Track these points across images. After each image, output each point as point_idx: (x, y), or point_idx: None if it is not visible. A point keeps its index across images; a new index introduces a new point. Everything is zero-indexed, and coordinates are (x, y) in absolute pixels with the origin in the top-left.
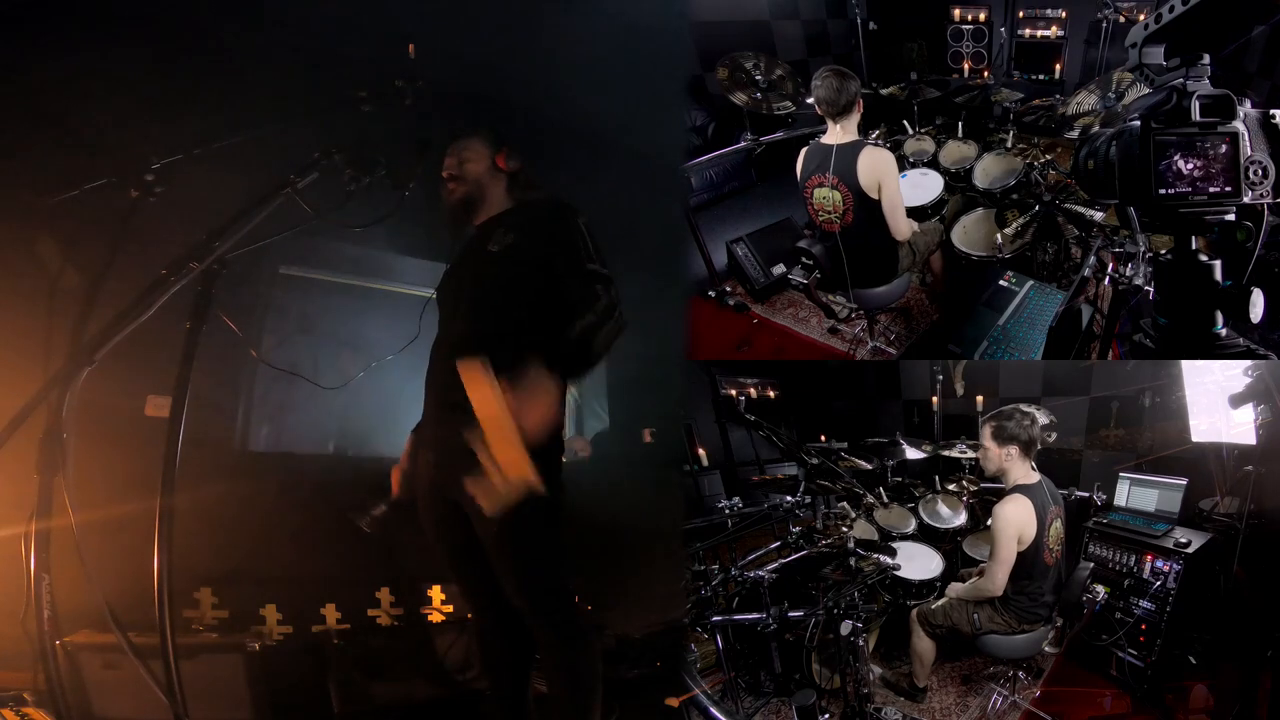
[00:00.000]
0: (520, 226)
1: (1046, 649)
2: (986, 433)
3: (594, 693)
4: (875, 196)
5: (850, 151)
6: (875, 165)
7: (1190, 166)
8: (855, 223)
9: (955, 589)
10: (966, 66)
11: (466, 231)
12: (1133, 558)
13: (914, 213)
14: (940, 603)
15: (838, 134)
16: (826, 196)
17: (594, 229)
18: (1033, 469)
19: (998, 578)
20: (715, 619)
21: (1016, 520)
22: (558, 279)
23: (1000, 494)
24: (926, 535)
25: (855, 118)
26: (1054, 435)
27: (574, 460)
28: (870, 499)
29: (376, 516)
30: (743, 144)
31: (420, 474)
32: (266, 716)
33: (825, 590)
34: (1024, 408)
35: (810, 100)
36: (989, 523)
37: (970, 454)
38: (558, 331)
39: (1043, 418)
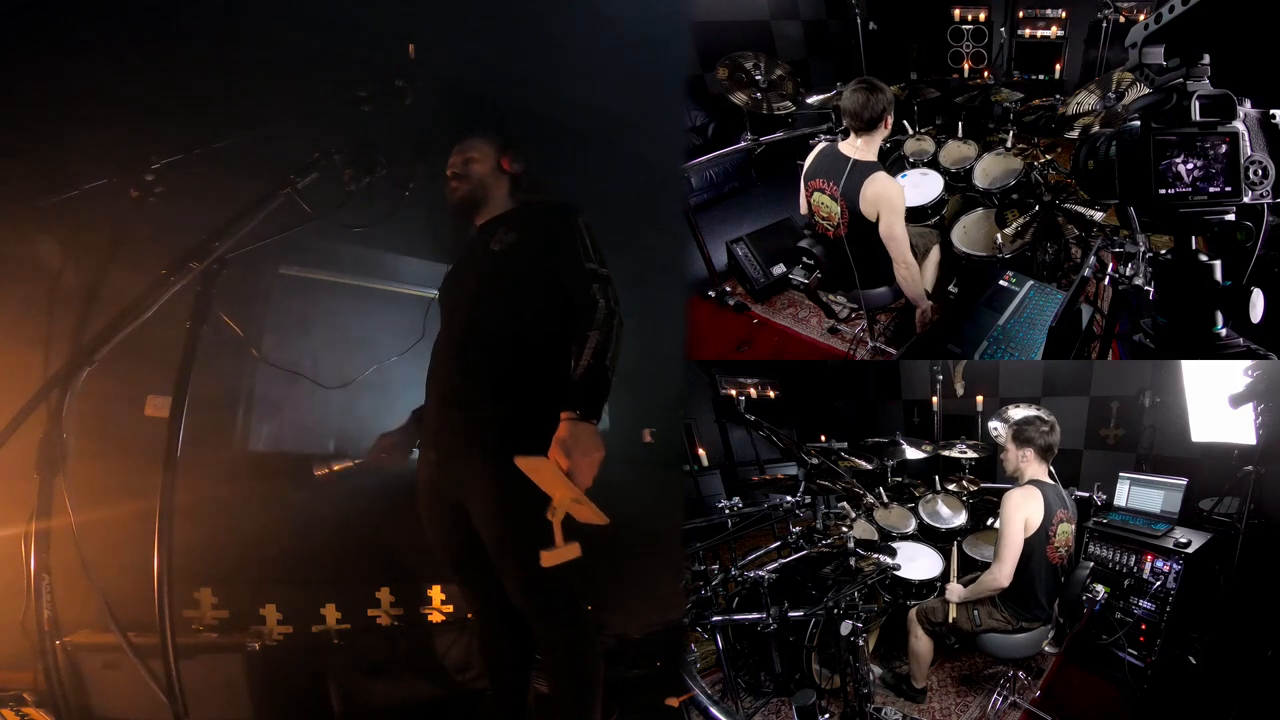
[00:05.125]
0: (521, 226)
1: (1046, 649)
2: (1008, 434)
3: (595, 693)
4: (872, 220)
5: (861, 171)
6: (880, 196)
7: (1190, 166)
8: (850, 235)
9: (956, 592)
10: (966, 66)
11: (468, 231)
12: (1133, 558)
13: (914, 213)
14: (938, 600)
15: (857, 147)
16: (824, 203)
17: (594, 229)
18: (1050, 474)
19: (1005, 568)
20: (715, 619)
21: (1023, 505)
22: (558, 278)
23: (1004, 494)
24: (926, 535)
25: (880, 134)
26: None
27: None
28: (870, 499)
29: (335, 471)
30: (743, 144)
31: (421, 473)
32: (266, 716)
33: (825, 590)
34: (1045, 415)
35: (812, 100)
36: (990, 522)
37: (970, 454)
38: (562, 340)
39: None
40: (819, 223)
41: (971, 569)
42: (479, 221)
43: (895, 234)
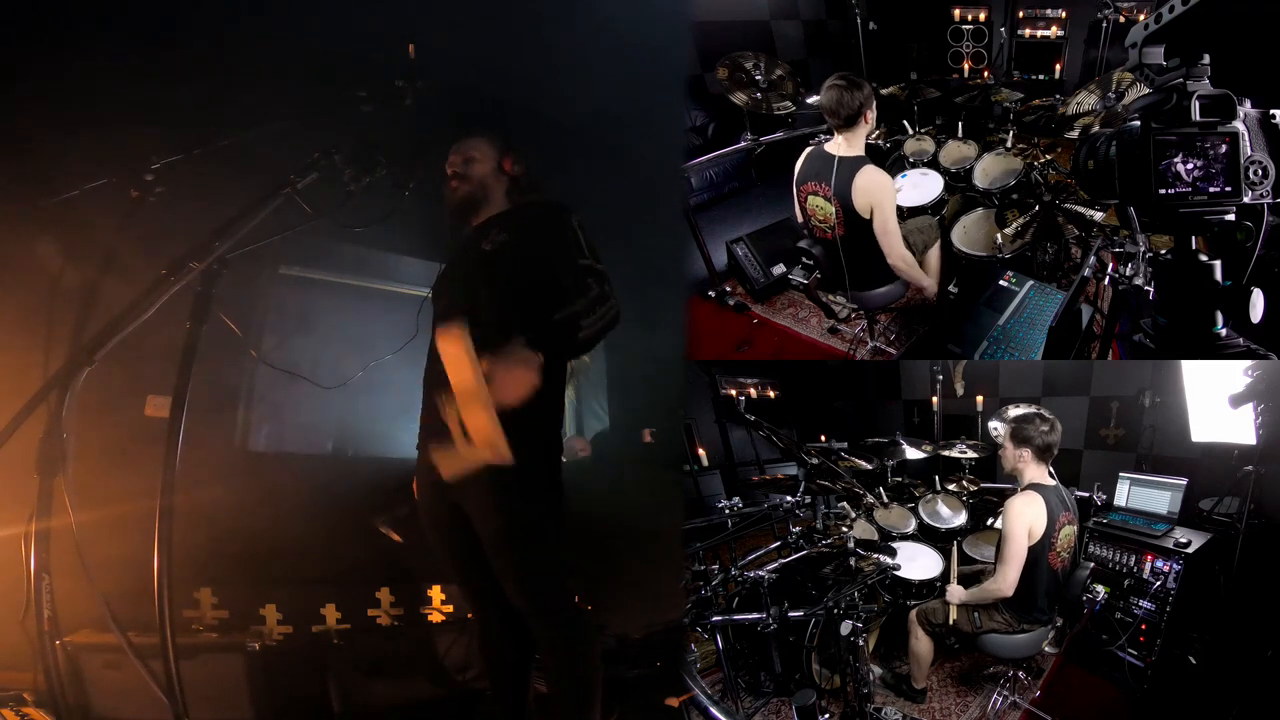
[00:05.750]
0: (514, 226)
1: (1046, 649)
2: (1006, 433)
3: (594, 693)
4: (867, 217)
5: (850, 166)
6: (870, 189)
7: (1190, 166)
8: (848, 234)
9: (957, 594)
10: (966, 66)
11: (464, 231)
12: (1133, 558)
13: (914, 213)
14: (939, 601)
15: (841, 145)
16: (820, 206)
17: (590, 228)
18: (1050, 474)
19: (1009, 576)
20: (715, 619)
21: (1026, 515)
22: (552, 277)
23: (1003, 494)
24: (926, 535)
25: (862, 130)
26: None
27: (574, 460)
28: (870, 499)
29: (400, 518)
30: (743, 144)
31: (420, 474)
32: (266, 716)
33: (825, 590)
34: (1045, 414)
35: (810, 100)
36: (989, 522)
37: (970, 454)
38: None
39: (1059, 426)
40: (816, 226)
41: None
42: (475, 222)
43: (889, 229)
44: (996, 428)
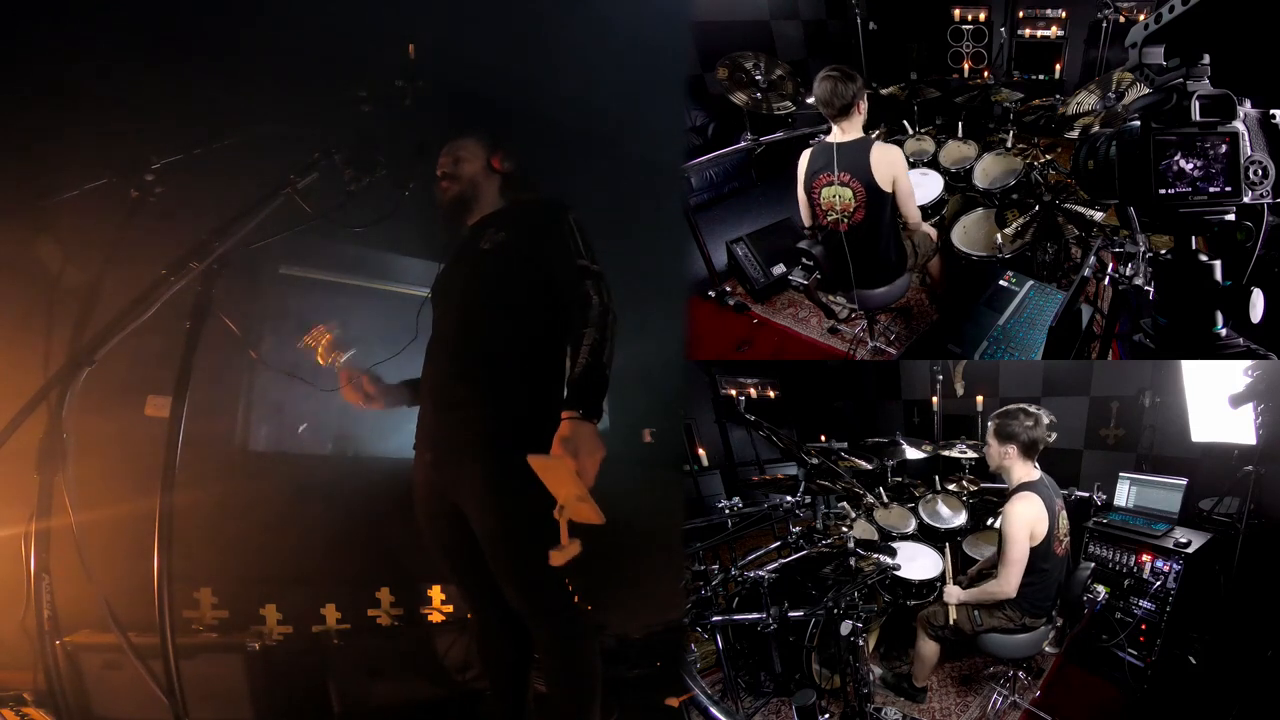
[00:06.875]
0: (511, 224)
1: (1046, 649)
2: (990, 429)
3: (593, 692)
4: (889, 190)
5: (859, 147)
6: (888, 161)
7: (1190, 166)
8: (865, 220)
9: (956, 594)
10: (966, 66)
11: (460, 231)
12: (1133, 558)
13: None
14: (938, 605)
15: (840, 134)
16: (837, 194)
17: (590, 228)
18: (1035, 467)
19: (1012, 580)
20: (715, 619)
21: (1027, 518)
22: (549, 276)
23: (1002, 494)
24: (926, 535)
25: (858, 119)
26: (1054, 435)
27: None
28: (870, 499)
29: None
30: (743, 144)
31: (417, 474)
32: (266, 716)
33: (825, 590)
34: (1030, 408)
35: (810, 100)
36: (990, 522)
37: (970, 454)
38: (555, 339)
39: (1046, 419)
40: (832, 220)
41: (971, 568)
42: (470, 221)
43: (909, 194)
44: None
